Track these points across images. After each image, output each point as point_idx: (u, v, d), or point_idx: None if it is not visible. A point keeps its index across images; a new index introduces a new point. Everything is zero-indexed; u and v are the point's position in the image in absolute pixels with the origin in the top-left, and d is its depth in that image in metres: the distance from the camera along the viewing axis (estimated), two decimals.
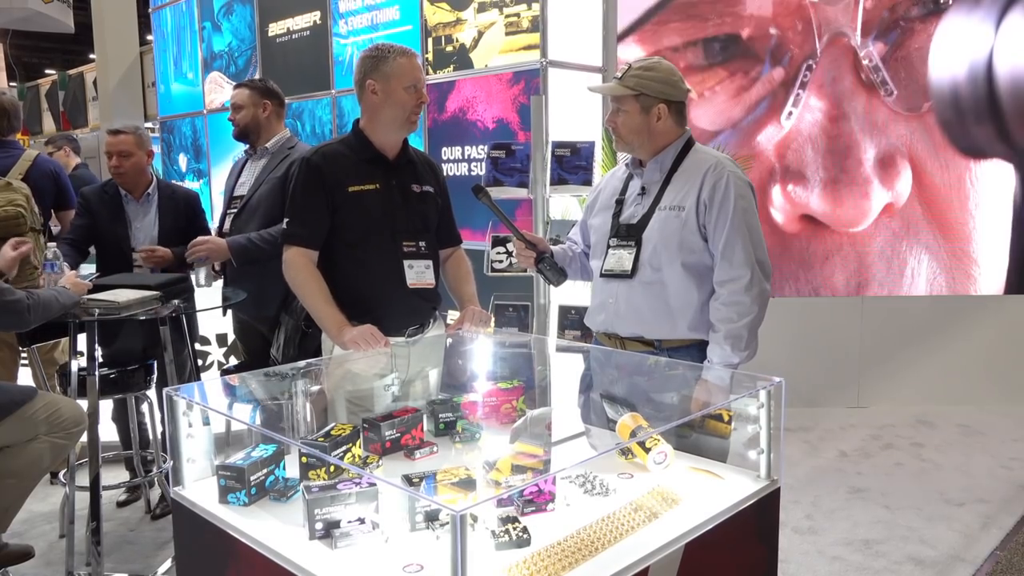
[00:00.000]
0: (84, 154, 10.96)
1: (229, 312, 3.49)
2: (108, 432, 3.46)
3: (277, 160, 3.26)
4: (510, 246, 3.50)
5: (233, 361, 4.39)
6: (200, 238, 3.18)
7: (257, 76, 6.10)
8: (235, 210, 3.30)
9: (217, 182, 6.66)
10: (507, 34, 4.39)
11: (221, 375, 3.62)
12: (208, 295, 3.18)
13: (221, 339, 4.46)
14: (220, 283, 3.39)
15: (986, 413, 4.74)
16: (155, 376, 3.19)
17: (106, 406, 3.47)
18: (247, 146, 3.41)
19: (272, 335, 2.82)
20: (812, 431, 4.53)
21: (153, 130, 9.36)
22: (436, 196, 2.52)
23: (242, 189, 3.34)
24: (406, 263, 2.37)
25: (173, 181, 7.37)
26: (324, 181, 2.32)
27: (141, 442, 3.49)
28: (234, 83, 6.01)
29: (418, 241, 2.41)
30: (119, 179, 3.34)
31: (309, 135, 5.72)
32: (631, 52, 4.59)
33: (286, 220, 2.36)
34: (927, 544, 3.16)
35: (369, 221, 2.35)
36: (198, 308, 3.08)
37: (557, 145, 3.55)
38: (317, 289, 2.29)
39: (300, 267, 2.31)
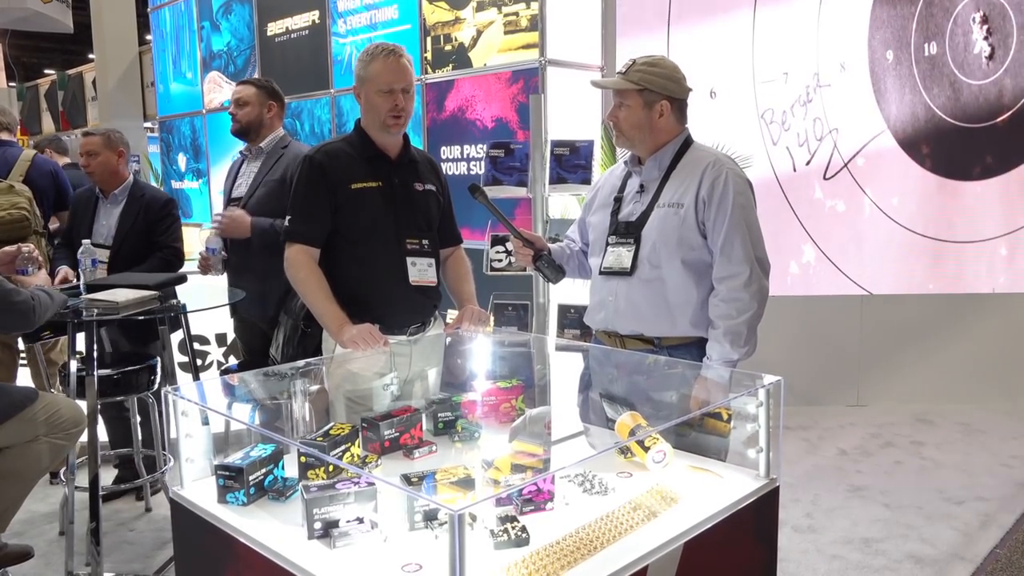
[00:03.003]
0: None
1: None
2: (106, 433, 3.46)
3: (272, 160, 3.26)
4: (509, 245, 3.50)
5: (232, 361, 4.38)
6: (227, 210, 3.17)
7: (256, 75, 6.09)
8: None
9: (216, 182, 6.65)
10: (506, 33, 4.38)
11: (220, 375, 3.62)
12: (208, 295, 3.17)
13: (220, 339, 4.46)
14: (225, 282, 3.38)
15: (986, 411, 4.74)
16: (158, 377, 3.19)
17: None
18: (244, 145, 3.40)
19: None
20: (811, 429, 4.53)
21: (152, 130, 9.35)
22: (438, 195, 2.52)
23: (239, 190, 3.33)
24: (409, 260, 2.37)
25: (172, 184, 7.38)
26: (327, 179, 2.32)
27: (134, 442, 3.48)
28: (234, 82, 6.01)
29: (421, 239, 2.41)
30: (91, 178, 3.47)
31: (308, 135, 5.71)
32: None
33: (288, 217, 2.35)
34: (927, 542, 3.16)
35: (372, 218, 2.34)
36: (200, 308, 3.07)
37: (556, 144, 3.55)
38: (318, 286, 2.28)
39: (301, 264, 2.31)
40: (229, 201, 3.36)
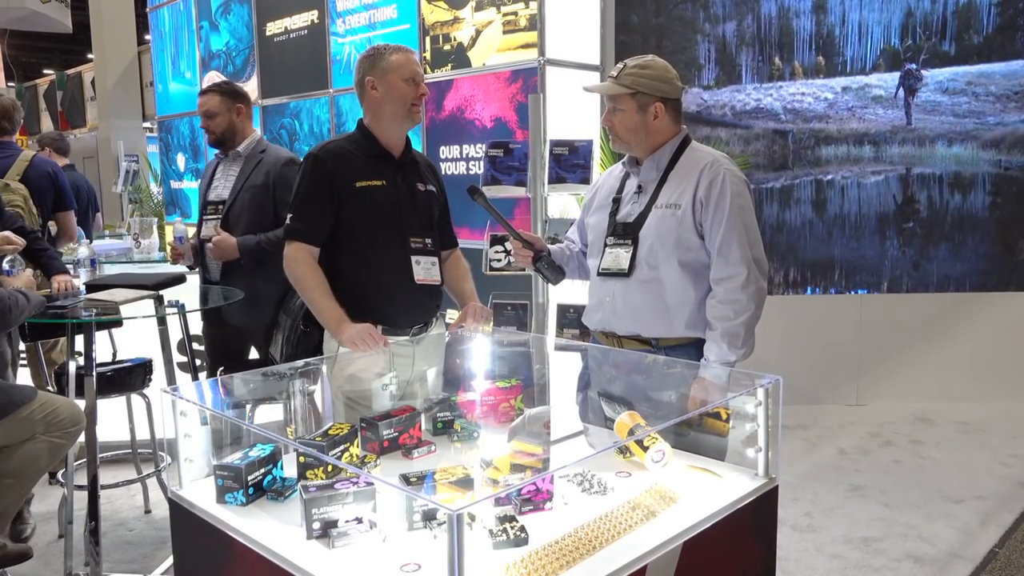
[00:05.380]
0: (83, 154, 10.98)
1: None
2: (106, 432, 3.45)
3: (252, 165, 3.24)
4: (508, 244, 3.50)
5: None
6: (217, 236, 3.16)
7: (254, 76, 6.09)
8: (213, 216, 3.26)
9: None
10: (505, 32, 4.38)
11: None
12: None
13: None
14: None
15: (985, 410, 4.74)
16: (153, 375, 3.19)
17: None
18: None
19: (264, 341, 2.81)
20: (811, 429, 4.53)
21: (151, 129, 9.35)
22: (437, 196, 2.53)
23: (216, 193, 3.31)
24: (413, 259, 2.38)
25: (171, 184, 7.37)
26: (330, 177, 2.32)
27: None
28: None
29: (424, 238, 2.42)
30: None
31: (307, 134, 5.71)
32: None
33: (289, 216, 2.35)
34: (926, 541, 3.16)
35: (377, 216, 2.35)
36: (199, 308, 3.07)
37: (555, 143, 3.55)
38: (317, 284, 2.29)
39: (301, 262, 2.31)
40: (205, 204, 3.34)
